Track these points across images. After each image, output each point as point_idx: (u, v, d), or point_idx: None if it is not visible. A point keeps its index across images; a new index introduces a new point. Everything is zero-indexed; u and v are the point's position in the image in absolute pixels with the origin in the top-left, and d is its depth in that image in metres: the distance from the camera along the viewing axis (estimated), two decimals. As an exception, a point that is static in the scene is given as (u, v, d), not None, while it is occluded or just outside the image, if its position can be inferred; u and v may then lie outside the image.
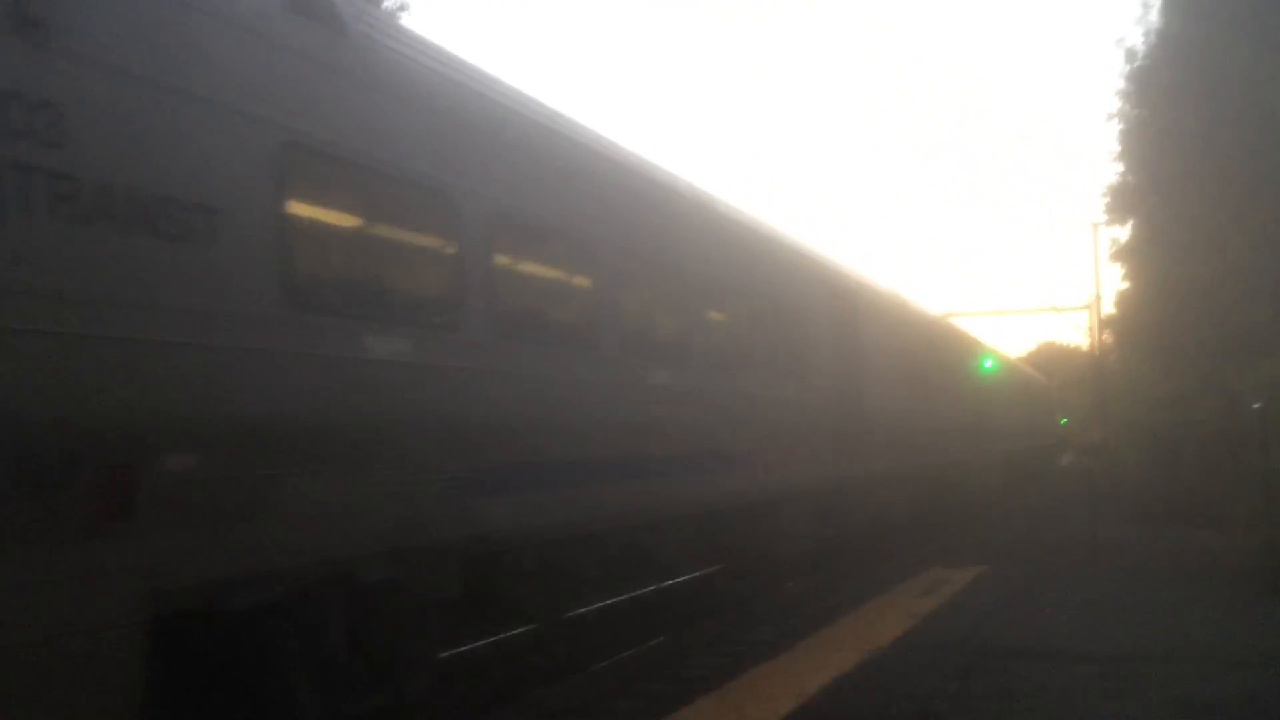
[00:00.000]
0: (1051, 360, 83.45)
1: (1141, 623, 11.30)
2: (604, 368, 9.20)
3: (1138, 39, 20.96)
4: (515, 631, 10.14)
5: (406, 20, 21.53)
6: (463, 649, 9.47)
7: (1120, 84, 21.75)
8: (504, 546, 7.98)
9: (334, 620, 6.43)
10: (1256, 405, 13.49)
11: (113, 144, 5.00)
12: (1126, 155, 22.32)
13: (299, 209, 6.15)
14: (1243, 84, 15.50)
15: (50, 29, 4.75)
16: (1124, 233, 25.96)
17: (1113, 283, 68.44)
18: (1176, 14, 19.26)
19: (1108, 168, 25.25)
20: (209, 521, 5.33)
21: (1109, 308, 39.51)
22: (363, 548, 6.36)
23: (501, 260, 7.96)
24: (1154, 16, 20.45)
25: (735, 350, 12.07)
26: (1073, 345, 75.21)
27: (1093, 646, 10.14)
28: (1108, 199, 24.61)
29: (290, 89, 6.13)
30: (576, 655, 10.62)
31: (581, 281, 9.27)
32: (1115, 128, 22.66)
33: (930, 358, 22.44)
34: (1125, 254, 25.83)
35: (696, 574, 12.97)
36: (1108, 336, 37.91)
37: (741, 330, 12.48)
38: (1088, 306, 44.70)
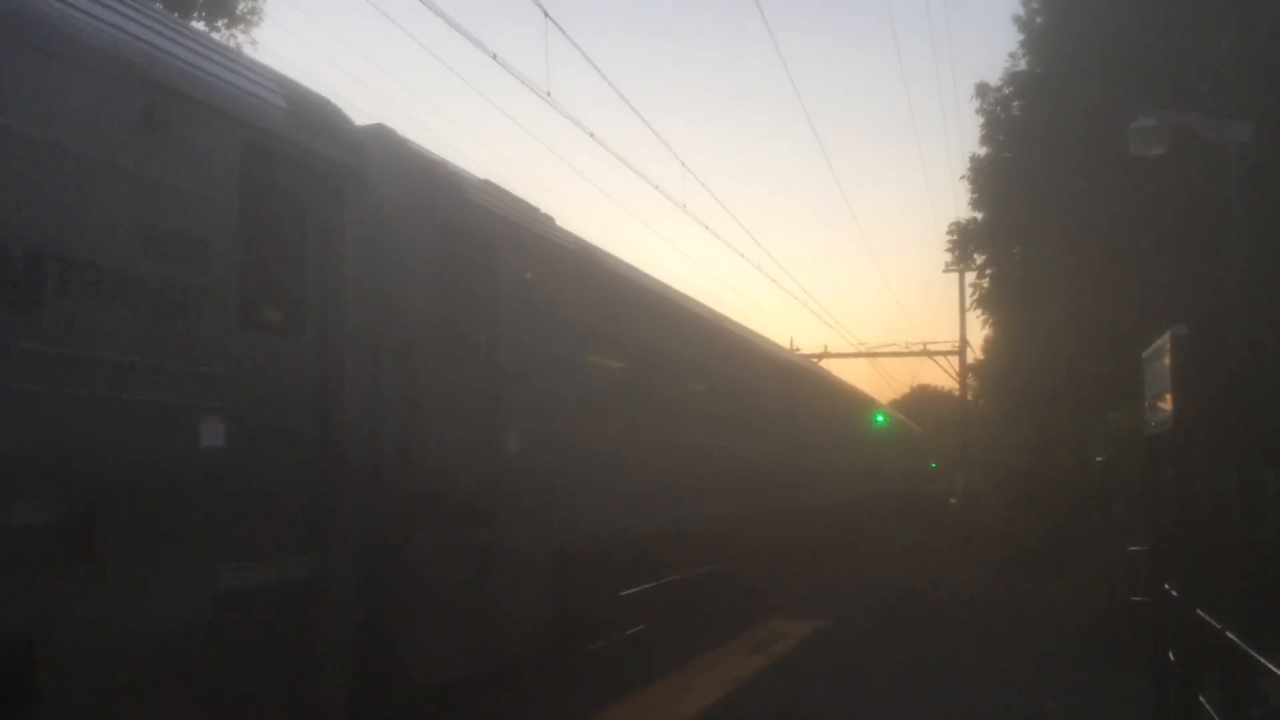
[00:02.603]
0: (925, 403, 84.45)
1: (968, 692, 10.55)
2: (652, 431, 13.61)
3: (994, 79, 20.75)
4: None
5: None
6: None
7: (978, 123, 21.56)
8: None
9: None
10: (1099, 459, 13.02)
11: None
12: (977, 194, 21.97)
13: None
14: (1086, 123, 15.20)
15: None
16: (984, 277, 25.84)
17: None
18: (1033, 55, 19.05)
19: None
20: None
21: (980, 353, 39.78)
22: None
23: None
24: (1021, 65, 20.31)
25: (729, 418, 17.43)
26: (946, 389, 76.15)
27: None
28: (953, 236, 24.25)
29: None
30: None
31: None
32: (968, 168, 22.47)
33: (837, 415, 28.62)
34: (985, 299, 25.61)
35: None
36: (974, 381, 38.11)
37: (735, 404, 18.02)
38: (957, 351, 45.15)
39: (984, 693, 10.46)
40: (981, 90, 20.27)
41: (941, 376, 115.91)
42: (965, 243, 23.74)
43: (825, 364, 51.47)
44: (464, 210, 9.19)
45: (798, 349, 53.33)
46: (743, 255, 36.13)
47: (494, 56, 12.67)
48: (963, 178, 22.40)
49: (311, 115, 7.01)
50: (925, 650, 12.98)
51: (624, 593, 12.81)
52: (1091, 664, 12.03)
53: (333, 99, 7.59)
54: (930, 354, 51.48)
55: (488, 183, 10.21)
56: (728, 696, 10.29)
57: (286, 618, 6.44)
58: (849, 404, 32.49)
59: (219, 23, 20.98)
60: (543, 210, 11.25)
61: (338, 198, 7.10)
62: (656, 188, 18.18)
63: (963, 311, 37.54)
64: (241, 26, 21.27)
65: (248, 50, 20.40)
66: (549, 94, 13.72)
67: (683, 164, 18.79)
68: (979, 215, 22.66)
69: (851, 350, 52.17)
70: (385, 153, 8.08)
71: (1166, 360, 6.85)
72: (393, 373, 7.84)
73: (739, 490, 17.60)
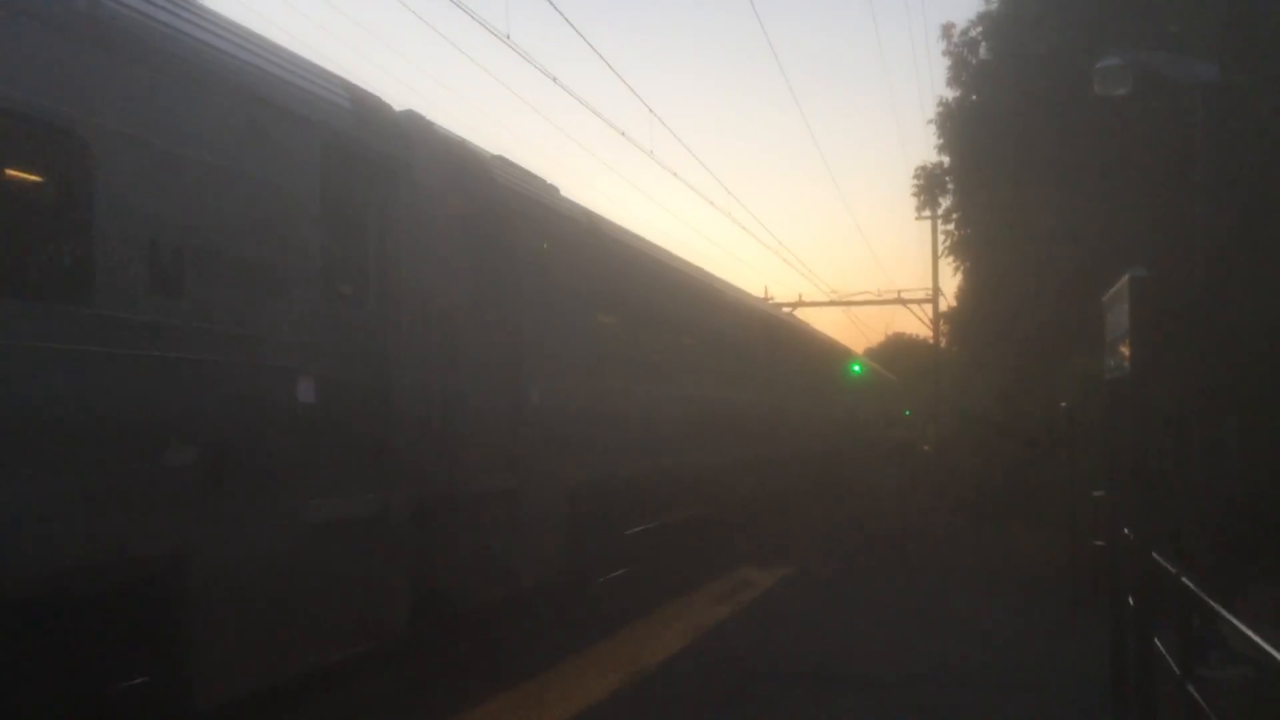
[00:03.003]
0: (900, 352, 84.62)
1: (929, 638, 10.58)
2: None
3: (962, 20, 20.50)
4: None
5: None
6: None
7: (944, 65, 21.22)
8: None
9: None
10: (1064, 404, 12.98)
11: None
12: (943, 139, 21.69)
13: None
14: (1054, 63, 14.99)
15: None
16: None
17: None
18: (1003, -4, 18.72)
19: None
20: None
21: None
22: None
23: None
24: (994, 5, 20.02)
25: (716, 371, 18.40)
26: (921, 337, 76.21)
27: (870, 667, 9.38)
28: (918, 180, 23.96)
29: None
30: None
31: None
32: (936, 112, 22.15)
33: (814, 366, 29.38)
34: (956, 246, 25.43)
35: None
36: (946, 329, 38.05)
37: (721, 357, 18.90)
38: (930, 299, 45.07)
39: (944, 640, 10.49)
40: (947, 31, 19.98)
41: (916, 324, 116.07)
42: (931, 187, 23.47)
43: (799, 313, 51.50)
44: (487, 188, 10.12)
45: (772, 298, 53.33)
46: (711, 203, 36.59)
47: (450, -1, 12.36)
48: (930, 121, 22.17)
49: (371, 115, 8.27)
50: (888, 597, 13.05)
51: (627, 532, 13.95)
52: (1054, 609, 12.09)
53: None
54: (904, 302, 51.40)
55: (502, 159, 11.01)
56: (692, 644, 10.28)
57: (358, 546, 7.67)
58: (825, 355, 33.35)
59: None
60: (548, 181, 12.03)
61: (392, 186, 8.37)
62: (623, 134, 17.95)
63: (935, 258, 37.48)
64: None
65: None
66: (509, 36, 13.45)
67: (649, 109, 18.61)
68: (945, 160, 22.42)
69: (825, 299, 52.19)
70: (421, 139, 9.06)
71: (1126, 304, 6.76)
72: (436, 336, 8.85)
73: (726, 439, 18.59)
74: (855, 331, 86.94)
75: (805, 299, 52.80)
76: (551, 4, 13.26)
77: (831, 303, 52.43)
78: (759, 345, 21.92)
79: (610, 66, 16.09)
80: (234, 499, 6.42)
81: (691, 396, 16.48)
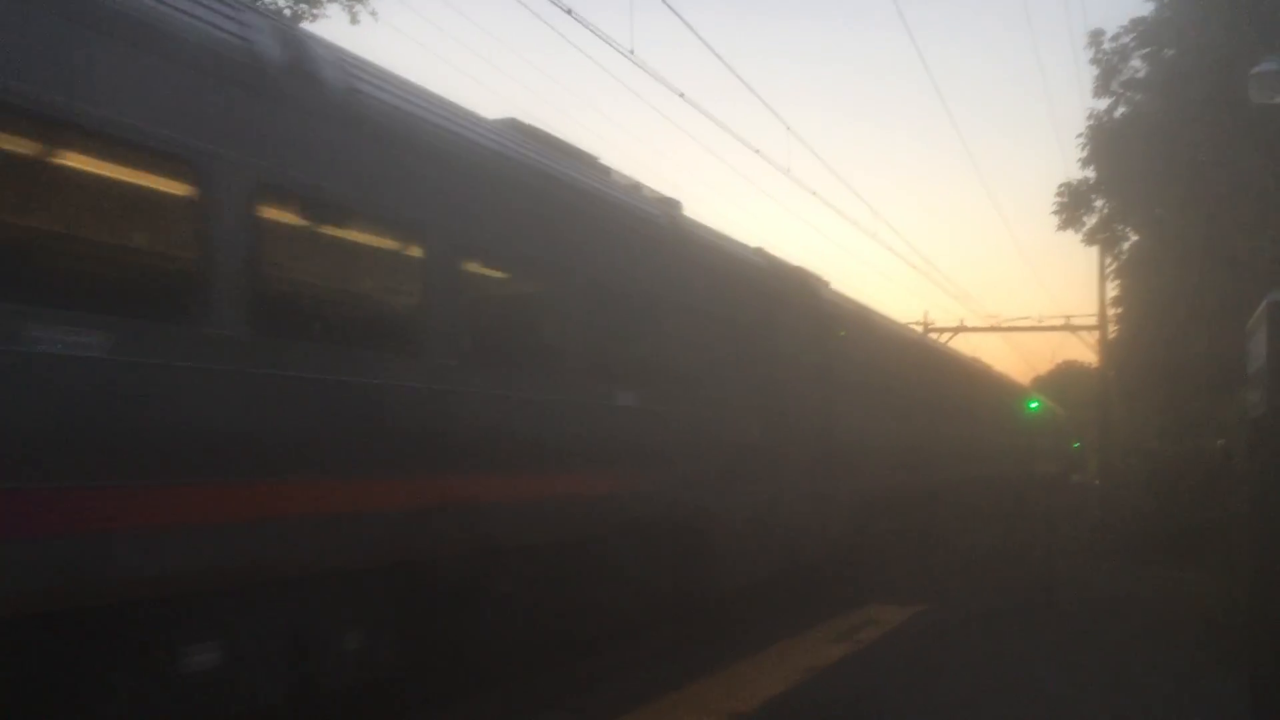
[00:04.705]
0: (1069, 380, 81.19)
1: (1057, 697, 9.68)
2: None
3: (1110, 27, 19.20)
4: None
5: None
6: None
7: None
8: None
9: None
10: (1220, 442, 11.89)
11: None
12: (1090, 149, 20.27)
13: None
14: (1208, 70, 13.79)
15: None
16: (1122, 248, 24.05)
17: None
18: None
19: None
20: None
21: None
22: None
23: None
24: (1150, 9, 18.77)
25: (933, 412, 24.19)
26: (1090, 365, 72.86)
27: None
28: (1060, 198, 22.41)
29: None
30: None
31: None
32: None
33: (993, 407, 34.72)
34: (1123, 269, 23.92)
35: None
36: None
37: (937, 400, 24.69)
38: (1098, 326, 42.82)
39: (1079, 703, 9.55)
40: (1095, 38, 18.73)
41: (1087, 352, 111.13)
42: (1075, 204, 22.02)
43: (960, 339, 49.86)
44: (815, 300, 16.03)
45: (933, 323, 51.83)
46: (855, 224, 36.34)
47: (569, 11, 12.18)
48: (1079, 135, 20.87)
49: (795, 270, 15.62)
50: (1024, 644, 12.11)
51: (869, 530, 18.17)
52: (1217, 668, 10.95)
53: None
54: (1072, 328, 49.18)
55: (802, 269, 16.08)
56: (796, 687, 9.69)
57: (791, 513, 14.20)
58: (1002, 393, 39.39)
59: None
60: (818, 274, 16.77)
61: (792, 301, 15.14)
62: (757, 152, 17.48)
63: (1101, 282, 35.51)
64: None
65: (365, 17, 20.58)
66: (632, 51, 13.19)
67: (786, 126, 18.05)
68: (1090, 175, 21.00)
69: (985, 325, 50.33)
70: (800, 276, 15.68)
71: (1264, 332, 5.98)
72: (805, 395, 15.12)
73: (937, 465, 24.16)
74: (1018, 360, 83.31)
75: (966, 325, 51.15)
76: (678, 17, 12.93)
77: (992, 329, 50.64)
78: (956, 388, 27.83)
79: (745, 83, 15.71)
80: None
81: (918, 430, 22.15)
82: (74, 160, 5.45)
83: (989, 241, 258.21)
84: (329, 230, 6.91)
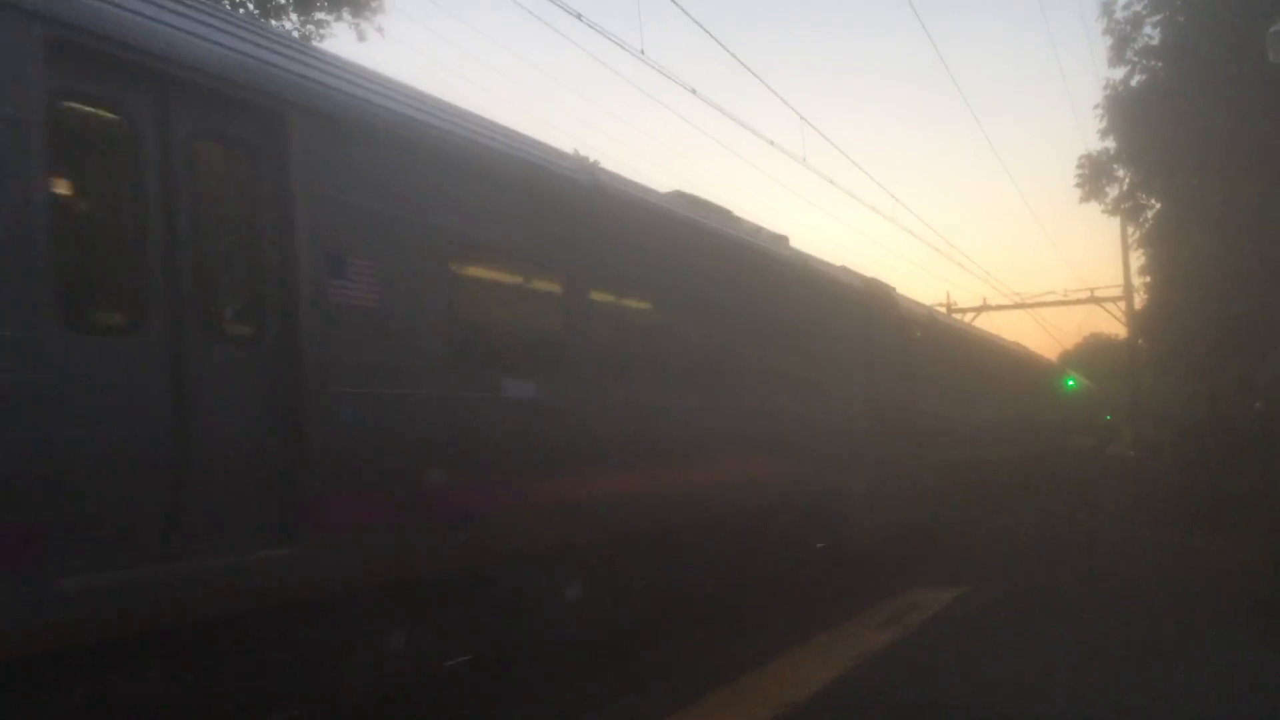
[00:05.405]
0: (1098, 352, 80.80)
1: (1106, 672, 9.65)
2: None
3: None
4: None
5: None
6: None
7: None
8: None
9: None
10: (1258, 405, 11.82)
11: None
12: (1109, 120, 20.18)
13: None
14: (1228, 33, 13.66)
15: None
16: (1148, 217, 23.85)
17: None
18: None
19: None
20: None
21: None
22: None
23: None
24: None
25: (981, 395, 26.96)
26: (1118, 336, 72.40)
27: (1029, 702, 8.60)
28: (1081, 170, 22.38)
29: None
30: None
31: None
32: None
33: (1030, 383, 35.97)
34: (1146, 238, 23.75)
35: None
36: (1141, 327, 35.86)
37: (982, 383, 27.46)
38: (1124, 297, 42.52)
39: (1128, 677, 9.51)
40: (1107, 7, 18.59)
41: (1115, 324, 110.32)
42: (1097, 176, 21.87)
43: (984, 317, 49.70)
44: (892, 309, 19.11)
45: (955, 304, 51.66)
46: (874, 209, 35.53)
47: (579, 16, 12.24)
48: (1096, 106, 20.75)
49: (872, 285, 18.31)
50: (1067, 624, 12.06)
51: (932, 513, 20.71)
52: (1251, 636, 10.91)
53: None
54: (1096, 300, 48.96)
55: (878, 281, 18.96)
56: (847, 674, 9.71)
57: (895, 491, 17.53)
58: (1044, 372, 42.12)
59: (343, 11, 20.92)
60: (886, 283, 19.55)
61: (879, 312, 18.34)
62: (772, 143, 17.50)
63: (1125, 252, 35.39)
64: (366, 14, 21.20)
65: (373, 35, 20.74)
66: (643, 52, 13.25)
67: (800, 116, 18.04)
68: (1110, 145, 20.88)
69: (1010, 303, 50.13)
70: (876, 289, 18.51)
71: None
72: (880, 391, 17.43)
73: (1000, 443, 28.19)
74: (1044, 336, 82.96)
75: (989, 303, 50.96)
76: (685, 14, 12.97)
77: (1017, 305, 50.45)
78: (1004, 373, 30.62)
79: (756, 75, 15.73)
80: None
81: (964, 416, 24.21)
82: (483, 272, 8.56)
83: (1010, 221, 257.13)
84: (626, 302, 10.50)
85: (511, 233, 8.52)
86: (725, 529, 12.02)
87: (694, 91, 14.47)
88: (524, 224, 8.63)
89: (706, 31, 14.26)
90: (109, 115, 5.77)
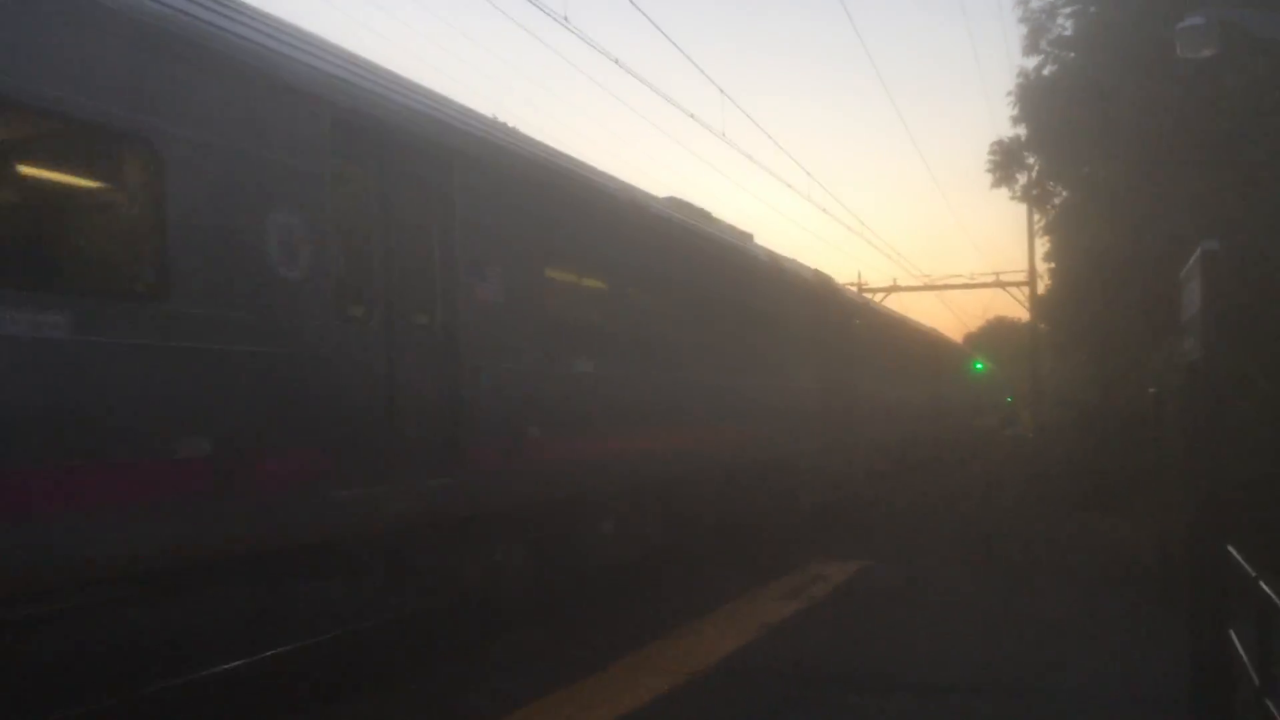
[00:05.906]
0: (1001, 335, 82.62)
1: (998, 641, 9.97)
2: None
3: None
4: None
5: None
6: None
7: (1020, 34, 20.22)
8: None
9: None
10: (1152, 390, 12.22)
11: None
12: (1021, 108, 20.63)
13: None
14: (1135, 25, 14.05)
15: None
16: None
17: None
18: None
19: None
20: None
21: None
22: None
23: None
24: None
25: (905, 375, 30.14)
26: (1023, 321, 74.08)
27: (930, 672, 8.84)
28: (994, 156, 22.90)
29: None
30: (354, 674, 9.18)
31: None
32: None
33: (939, 363, 38.10)
34: (1050, 226, 24.34)
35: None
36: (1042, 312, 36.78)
37: (909, 365, 31.01)
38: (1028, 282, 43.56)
39: (1019, 646, 9.84)
40: (1023, -1, 18.99)
41: (1018, 308, 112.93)
42: (1008, 163, 22.33)
43: (894, 298, 50.54)
44: (842, 297, 22.53)
45: (866, 284, 52.41)
46: (789, 185, 37.07)
47: (501, -17, 12.11)
48: (1009, 93, 21.18)
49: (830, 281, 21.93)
50: (966, 594, 12.42)
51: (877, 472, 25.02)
52: (1142, 609, 11.34)
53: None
54: (1003, 284, 50.05)
55: (819, 271, 21.60)
56: (749, 645, 9.86)
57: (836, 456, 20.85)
58: (953, 355, 45.02)
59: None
60: (823, 272, 21.78)
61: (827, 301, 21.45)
62: (692, 116, 17.53)
63: (1030, 239, 36.20)
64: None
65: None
66: (566, 18, 13.14)
67: (720, 90, 18.10)
68: (1021, 133, 21.34)
69: (919, 284, 51.01)
70: (825, 282, 21.64)
71: (1198, 280, 6.17)
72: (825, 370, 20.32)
73: (917, 422, 31.36)
74: (950, 317, 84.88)
75: (899, 284, 51.81)
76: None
77: (926, 287, 51.39)
78: (924, 358, 33.86)
79: (678, 47, 15.73)
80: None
81: (888, 393, 26.79)
82: (559, 275, 11.03)
83: (921, 203, 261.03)
84: (645, 297, 12.76)
85: (574, 243, 11.05)
86: (718, 480, 15.28)
87: (617, 61, 14.43)
88: (580, 237, 11.19)
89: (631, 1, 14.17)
90: (356, 169, 8.00)
